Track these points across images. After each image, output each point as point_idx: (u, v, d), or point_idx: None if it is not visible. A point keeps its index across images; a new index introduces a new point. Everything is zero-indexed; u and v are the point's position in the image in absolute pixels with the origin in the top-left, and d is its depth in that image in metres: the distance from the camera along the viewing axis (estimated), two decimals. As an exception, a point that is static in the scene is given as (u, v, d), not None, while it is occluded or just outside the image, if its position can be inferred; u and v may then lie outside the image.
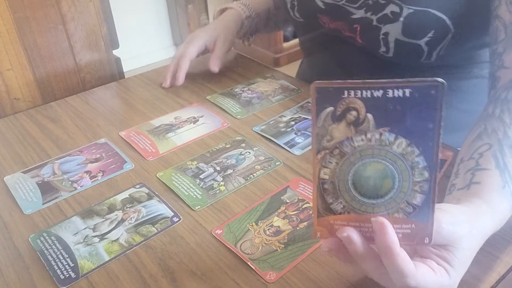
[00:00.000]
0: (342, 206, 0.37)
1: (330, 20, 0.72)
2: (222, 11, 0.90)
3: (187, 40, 0.85)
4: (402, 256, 0.35)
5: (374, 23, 0.65)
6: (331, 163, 0.36)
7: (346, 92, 0.34)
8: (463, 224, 0.40)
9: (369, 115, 0.34)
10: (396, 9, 0.63)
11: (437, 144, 0.34)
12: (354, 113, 0.34)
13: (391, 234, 0.35)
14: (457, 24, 0.62)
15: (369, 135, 0.34)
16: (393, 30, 0.64)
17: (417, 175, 0.35)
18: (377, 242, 0.36)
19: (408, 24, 0.63)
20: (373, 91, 0.33)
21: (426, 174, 0.35)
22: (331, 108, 0.35)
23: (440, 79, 0.32)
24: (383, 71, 0.75)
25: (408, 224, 0.36)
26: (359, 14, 0.67)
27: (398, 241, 0.35)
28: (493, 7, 0.59)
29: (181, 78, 0.82)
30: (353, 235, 0.36)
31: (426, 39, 0.63)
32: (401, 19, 0.62)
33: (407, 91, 0.33)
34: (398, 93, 0.33)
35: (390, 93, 0.33)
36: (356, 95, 0.34)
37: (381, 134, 0.34)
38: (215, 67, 0.84)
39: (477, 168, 0.47)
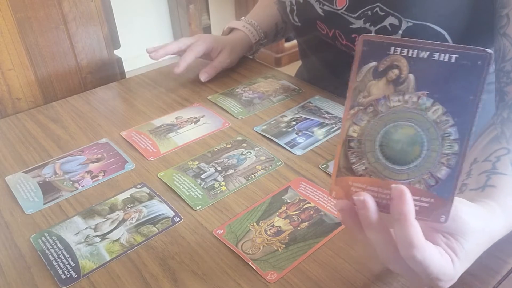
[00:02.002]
0: (364, 168, 0.36)
1: (328, 28, 0.72)
2: (231, 30, 0.91)
3: (197, 37, 0.85)
4: (415, 226, 0.35)
5: (373, 34, 0.65)
6: (363, 120, 0.35)
7: (392, 48, 0.33)
8: (479, 219, 0.40)
9: (411, 76, 0.33)
10: (395, 21, 0.62)
11: (473, 118, 0.33)
12: (396, 71, 0.33)
13: (409, 202, 0.34)
14: (456, 39, 0.62)
15: (406, 97, 0.34)
16: None
17: (447, 147, 0.34)
18: (392, 209, 0.35)
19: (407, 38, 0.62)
20: (419, 51, 0.33)
21: (456, 147, 0.34)
22: (374, 63, 0.34)
23: (488, 50, 0.32)
24: None
25: (427, 197, 0.35)
26: (357, 24, 0.67)
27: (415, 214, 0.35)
28: (500, 25, 0.58)
29: (182, 67, 0.81)
30: (369, 200, 0.35)
31: None
32: (400, 32, 0.62)
33: (454, 57, 0.32)
34: (444, 57, 0.32)
35: (436, 56, 0.32)
36: (402, 53, 0.33)
37: (419, 98, 0.33)
38: (204, 76, 0.84)
39: (493, 172, 0.47)
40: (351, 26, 0.67)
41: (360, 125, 0.35)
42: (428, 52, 0.32)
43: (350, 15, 0.67)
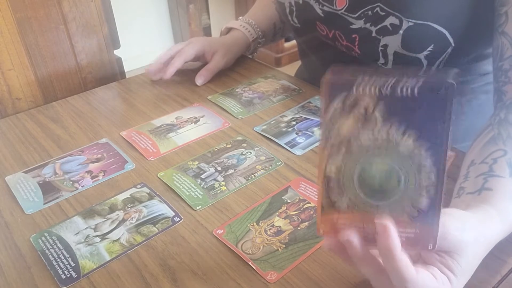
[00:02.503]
0: (346, 205, 0.36)
1: (328, 29, 0.72)
2: (229, 30, 0.90)
3: (188, 41, 0.85)
4: (403, 260, 0.35)
5: (373, 34, 0.65)
6: (338, 159, 0.35)
7: (355, 88, 0.33)
8: (471, 231, 0.39)
9: (377, 112, 0.33)
10: (395, 21, 0.62)
11: (445, 146, 0.33)
12: (362, 109, 0.33)
13: (394, 237, 0.35)
14: (457, 38, 0.62)
15: (376, 133, 0.34)
16: (392, 43, 0.63)
17: (424, 178, 0.34)
18: (379, 244, 0.35)
19: (407, 37, 0.62)
20: (383, 85, 0.32)
21: (433, 178, 0.34)
22: (340, 103, 0.34)
23: (450, 80, 0.31)
24: None
25: (412, 228, 0.35)
26: (358, 24, 0.66)
27: (401, 245, 0.35)
28: (498, 24, 0.58)
29: (169, 73, 0.82)
30: (354, 239, 0.36)
31: (425, 53, 0.63)
32: (401, 32, 0.62)
33: (416, 90, 0.32)
34: (407, 91, 0.32)
35: (400, 88, 0.32)
36: (366, 91, 0.33)
37: (388, 132, 0.33)
38: (201, 79, 0.84)
39: (490, 174, 0.47)
40: (351, 27, 0.67)
41: (336, 164, 0.35)
42: (392, 86, 0.32)
43: (350, 15, 0.67)
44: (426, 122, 0.32)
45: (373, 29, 0.65)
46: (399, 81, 0.32)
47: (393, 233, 0.35)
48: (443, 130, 0.32)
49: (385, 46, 0.64)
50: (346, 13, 0.67)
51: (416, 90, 0.32)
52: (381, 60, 0.66)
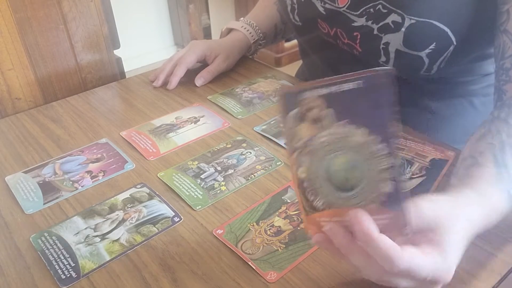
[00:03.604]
0: (322, 203, 0.38)
1: (329, 26, 0.72)
2: (229, 30, 0.90)
3: (188, 47, 0.85)
4: (383, 240, 0.36)
5: (375, 32, 0.65)
6: (305, 161, 0.37)
7: (305, 93, 0.36)
8: (444, 207, 0.40)
9: (329, 111, 0.35)
10: (397, 19, 0.62)
11: (395, 129, 0.35)
12: (315, 111, 0.36)
13: (366, 221, 0.36)
14: (460, 37, 0.62)
15: (332, 130, 0.36)
16: (394, 41, 0.63)
17: (382, 163, 0.35)
18: (356, 233, 0.36)
19: (409, 35, 0.62)
20: (329, 87, 0.35)
21: (389, 160, 0.35)
22: (295, 110, 0.36)
23: (389, 67, 0.34)
24: None
25: (384, 214, 0.37)
26: (360, 22, 0.66)
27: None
28: (500, 22, 0.58)
29: (173, 83, 0.82)
30: (335, 229, 0.38)
31: (427, 51, 0.62)
32: (403, 29, 0.62)
33: (360, 83, 0.34)
34: (353, 85, 0.34)
35: (345, 87, 0.34)
36: (316, 94, 0.35)
37: (343, 127, 0.35)
38: (200, 81, 0.84)
39: (474, 164, 0.48)
40: (353, 24, 0.67)
41: (305, 166, 0.37)
42: (337, 86, 0.35)
43: (352, 13, 0.67)
44: (371, 111, 0.35)
45: (375, 26, 0.65)
46: (343, 81, 0.34)
47: (365, 218, 0.36)
48: (386, 115, 0.34)
49: (387, 44, 0.64)
50: (348, 11, 0.67)
51: (358, 85, 0.34)
52: (382, 58, 0.66)
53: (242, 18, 0.91)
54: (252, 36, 0.89)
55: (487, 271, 0.46)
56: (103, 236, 0.52)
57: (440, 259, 0.38)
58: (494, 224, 0.45)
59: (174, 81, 0.83)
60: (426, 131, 0.70)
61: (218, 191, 0.58)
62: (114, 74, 0.93)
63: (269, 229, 0.52)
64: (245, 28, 0.88)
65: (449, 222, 0.39)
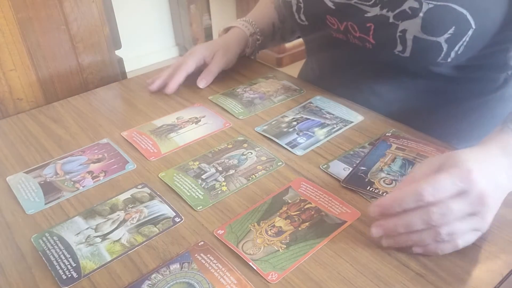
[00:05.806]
0: None
1: (339, 21, 0.71)
2: (227, 30, 0.90)
3: (187, 54, 0.85)
4: (399, 186, 0.45)
5: (391, 20, 0.63)
6: None
7: None
8: (464, 150, 0.48)
9: None
10: (415, 4, 0.60)
11: None
12: None
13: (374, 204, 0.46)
14: (478, 20, 0.60)
15: None
16: (412, 27, 0.62)
17: None
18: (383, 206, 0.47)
19: (428, 20, 0.60)
20: None
21: None
22: None
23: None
24: (388, 73, 0.74)
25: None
26: (373, 12, 0.65)
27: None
28: None
29: (171, 88, 0.81)
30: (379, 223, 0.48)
31: (446, 35, 0.61)
32: (421, 14, 0.60)
33: None
34: None
35: None
36: None
37: None
38: (203, 83, 0.83)
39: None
40: (366, 15, 0.66)
41: None
42: None
43: (365, 3, 0.66)
44: None
45: (390, 14, 0.63)
46: None
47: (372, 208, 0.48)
48: None
49: (404, 31, 0.63)
50: (359, 2, 0.66)
51: None
52: (399, 48, 0.65)
53: (239, 19, 0.91)
54: (248, 29, 0.88)
55: (488, 272, 0.46)
56: (104, 237, 0.52)
57: (466, 175, 0.44)
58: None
59: (172, 86, 0.81)
60: (455, 138, 0.72)
61: (219, 192, 0.58)
62: (116, 74, 0.93)
63: (270, 230, 0.52)
64: (241, 23, 0.88)
65: (459, 152, 0.47)
